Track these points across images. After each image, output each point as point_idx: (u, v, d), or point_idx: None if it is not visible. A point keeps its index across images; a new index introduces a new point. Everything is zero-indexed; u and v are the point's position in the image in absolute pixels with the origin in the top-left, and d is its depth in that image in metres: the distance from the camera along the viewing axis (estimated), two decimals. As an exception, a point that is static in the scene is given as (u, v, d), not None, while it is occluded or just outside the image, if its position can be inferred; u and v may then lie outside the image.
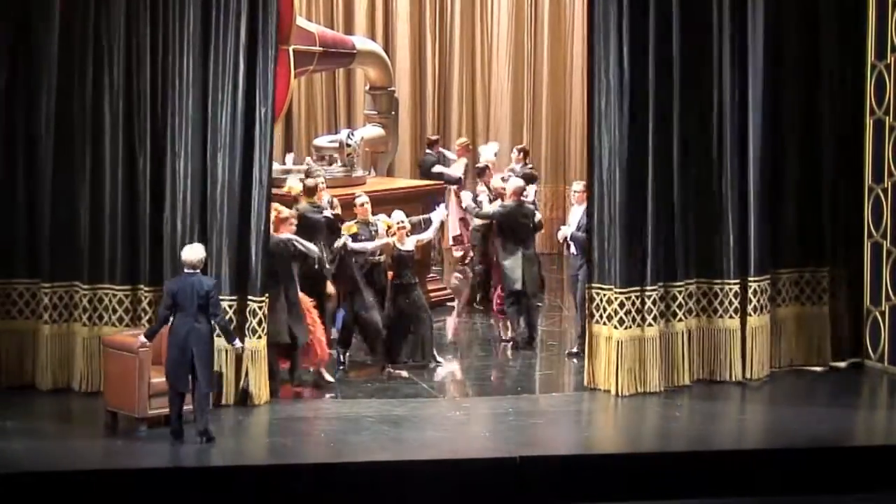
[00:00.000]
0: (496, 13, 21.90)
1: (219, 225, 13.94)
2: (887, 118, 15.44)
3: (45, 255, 14.31)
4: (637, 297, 14.33)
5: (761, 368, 14.90)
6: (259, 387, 13.94)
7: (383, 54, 19.39)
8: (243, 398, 13.90)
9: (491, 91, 21.99)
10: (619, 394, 14.27)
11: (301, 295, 14.44)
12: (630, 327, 14.32)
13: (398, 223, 15.15)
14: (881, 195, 15.53)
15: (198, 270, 12.93)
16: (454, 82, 21.95)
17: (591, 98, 14.55)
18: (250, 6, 13.93)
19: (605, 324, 14.45)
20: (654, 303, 14.40)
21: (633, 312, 14.32)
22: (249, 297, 13.92)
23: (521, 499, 11.92)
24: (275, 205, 14.51)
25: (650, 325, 14.39)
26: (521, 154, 19.11)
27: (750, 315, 14.82)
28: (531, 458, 12.46)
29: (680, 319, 14.60)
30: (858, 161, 15.71)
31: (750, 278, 14.82)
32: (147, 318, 14.10)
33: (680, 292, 14.59)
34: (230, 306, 13.85)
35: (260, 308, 13.92)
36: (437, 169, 19.49)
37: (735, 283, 14.78)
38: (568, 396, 14.67)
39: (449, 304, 18.06)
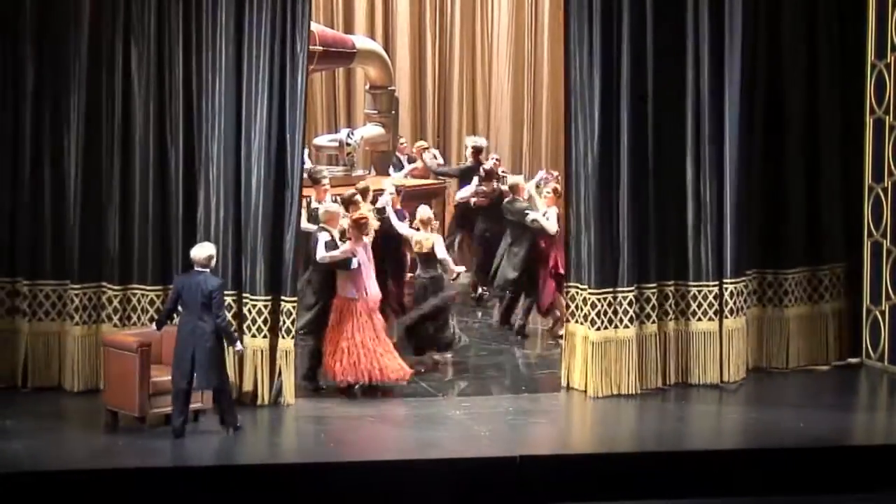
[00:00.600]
0: (496, 13, 21.89)
1: (253, 226, 13.93)
2: (887, 118, 15.44)
3: (73, 256, 14.27)
4: (613, 298, 14.29)
5: (737, 371, 14.76)
6: (289, 387, 13.98)
7: (383, 53, 19.40)
8: (276, 398, 13.93)
9: (491, 91, 21.98)
10: (594, 395, 14.23)
11: None
12: (600, 329, 14.26)
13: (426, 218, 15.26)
14: (881, 194, 15.53)
15: (206, 269, 12.96)
16: (454, 82, 21.94)
17: (567, 96, 14.53)
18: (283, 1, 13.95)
19: (580, 324, 14.41)
20: (629, 304, 14.35)
21: (611, 314, 14.27)
22: (283, 298, 13.93)
23: (521, 499, 11.91)
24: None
25: (626, 326, 14.33)
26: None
27: (727, 317, 14.69)
28: (531, 458, 12.45)
29: (653, 321, 14.53)
30: (858, 160, 15.73)
31: (726, 280, 14.68)
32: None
33: (654, 294, 14.52)
34: (265, 307, 13.88)
35: (294, 308, 13.94)
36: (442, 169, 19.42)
37: (714, 286, 14.65)
38: (567, 396, 14.67)
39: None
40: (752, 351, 15.27)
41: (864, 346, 15.72)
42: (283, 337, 13.92)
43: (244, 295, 13.96)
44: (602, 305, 14.28)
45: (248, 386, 13.91)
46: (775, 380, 15.22)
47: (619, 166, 14.35)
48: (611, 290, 14.32)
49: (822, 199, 15.59)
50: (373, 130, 18.92)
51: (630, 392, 14.32)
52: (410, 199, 16.72)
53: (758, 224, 15.19)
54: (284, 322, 13.93)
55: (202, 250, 13.04)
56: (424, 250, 15.07)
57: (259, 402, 13.89)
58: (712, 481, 12.17)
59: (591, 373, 14.28)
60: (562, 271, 15.63)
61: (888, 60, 15.43)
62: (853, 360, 15.68)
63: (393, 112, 19.14)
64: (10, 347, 14.37)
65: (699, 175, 14.62)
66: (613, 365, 14.31)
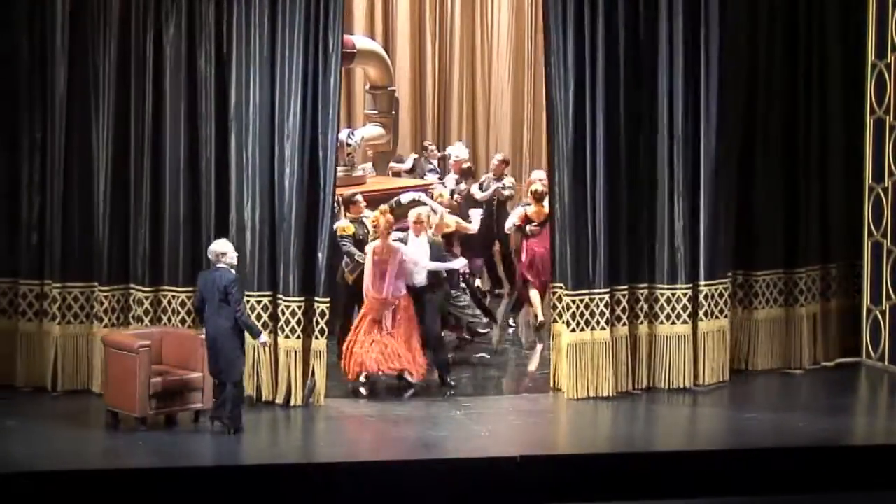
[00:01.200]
0: (496, 13, 21.90)
1: (286, 227, 13.94)
2: (887, 117, 15.44)
3: (102, 258, 14.23)
4: (589, 300, 14.26)
5: (712, 374, 14.67)
6: (321, 388, 13.99)
7: (383, 53, 19.40)
8: (308, 398, 13.95)
9: (491, 91, 21.99)
10: (570, 397, 14.18)
11: None
12: (576, 330, 14.22)
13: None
14: (881, 194, 15.52)
15: (221, 264, 13.01)
16: (454, 82, 21.95)
17: (548, 96, 14.47)
18: None
19: (561, 324, 14.39)
20: (606, 306, 14.31)
21: (588, 315, 14.24)
22: (316, 299, 13.93)
23: (521, 499, 11.91)
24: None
25: (602, 328, 14.28)
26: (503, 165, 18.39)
27: (702, 320, 14.62)
28: (531, 458, 12.45)
29: (624, 324, 14.45)
30: (858, 160, 15.73)
31: (701, 283, 14.61)
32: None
33: (625, 296, 14.47)
34: (299, 307, 13.89)
35: (328, 309, 13.95)
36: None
37: (687, 288, 14.57)
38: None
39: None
40: (750, 352, 15.30)
41: (864, 345, 15.72)
42: (317, 338, 13.93)
43: (278, 296, 13.96)
44: (579, 307, 14.23)
45: (281, 386, 13.91)
46: (774, 380, 15.21)
47: (595, 168, 14.29)
48: (586, 291, 14.28)
49: (810, 201, 15.53)
50: (373, 130, 18.92)
51: (606, 395, 14.25)
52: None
53: (742, 226, 15.11)
54: (318, 323, 13.93)
55: (215, 246, 13.11)
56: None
57: (292, 402, 13.90)
58: (711, 481, 12.17)
59: (568, 375, 14.23)
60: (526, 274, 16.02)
61: (888, 60, 15.43)
62: (851, 360, 15.68)
63: (393, 112, 19.14)
64: (39, 350, 14.36)
65: (673, 178, 14.50)
66: (589, 367, 14.26)
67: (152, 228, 14.18)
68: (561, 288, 14.34)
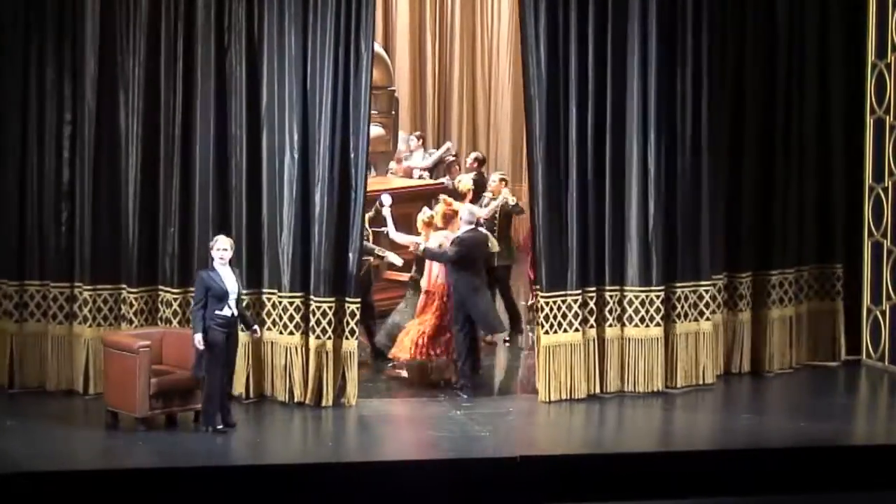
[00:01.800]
0: (496, 13, 21.91)
1: (317, 227, 13.94)
2: (887, 117, 15.44)
3: (131, 260, 14.22)
4: (563, 302, 14.23)
5: (685, 376, 14.60)
6: (352, 388, 14.00)
7: (383, 53, 19.38)
8: (339, 398, 13.98)
9: (491, 90, 22.00)
10: (544, 399, 14.13)
11: None
12: (549, 332, 14.16)
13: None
14: (881, 194, 15.53)
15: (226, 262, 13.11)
16: (454, 82, 21.96)
17: (526, 93, 14.41)
18: None
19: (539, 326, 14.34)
20: (581, 307, 14.29)
21: (560, 317, 14.20)
22: (347, 299, 13.94)
23: (521, 499, 11.91)
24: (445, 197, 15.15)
25: (577, 329, 14.24)
26: (476, 163, 18.43)
27: (675, 322, 14.59)
28: (532, 458, 12.45)
29: (595, 326, 14.40)
30: (857, 160, 15.74)
31: (676, 284, 14.57)
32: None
33: (604, 298, 14.42)
34: (330, 308, 13.90)
35: (358, 309, 13.97)
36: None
37: (660, 290, 14.49)
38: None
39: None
40: (750, 352, 15.29)
41: (864, 345, 15.72)
42: (347, 338, 13.94)
43: (310, 297, 13.97)
44: (553, 309, 14.19)
45: (312, 387, 13.93)
46: (773, 380, 15.21)
47: (569, 170, 14.27)
48: (561, 293, 14.24)
49: (805, 201, 15.54)
50: (373, 130, 18.88)
51: (579, 397, 14.22)
52: (411, 200, 16.72)
53: (730, 227, 15.07)
54: (349, 323, 13.95)
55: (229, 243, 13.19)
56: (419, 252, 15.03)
57: (323, 402, 13.91)
58: (711, 481, 12.18)
59: (542, 377, 14.21)
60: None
61: (888, 60, 15.43)
62: (849, 359, 15.68)
63: (393, 112, 19.13)
64: (70, 353, 14.35)
65: (647, 178, 14.42)
66: (563, 369, 14.22)
67: (182, 230, 14.14)
68: (539, 290, 14.29)
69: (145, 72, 14.12)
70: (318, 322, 13.90)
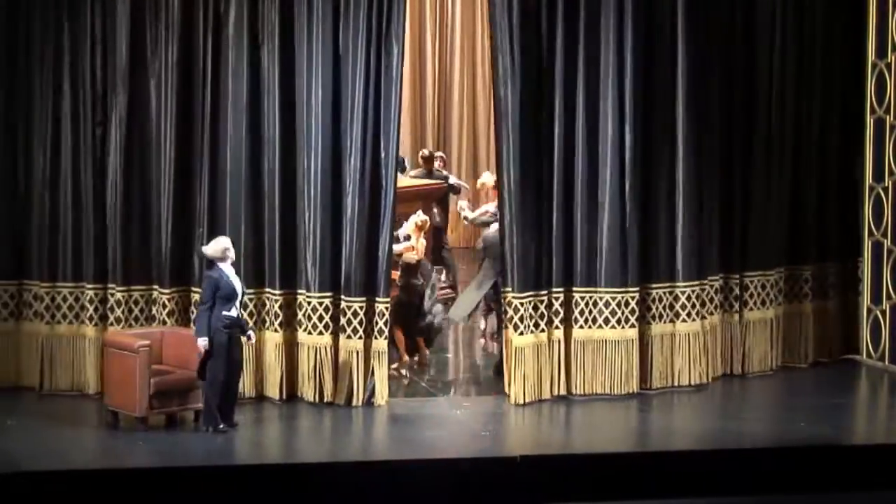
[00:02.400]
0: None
1: (349, 228, 13.97)
2: (888, 117, 15.44)
3: (164, 261, 14.21)
4: (539, 302, 14.23)
5: (660, 377, 14.59)
6: (381, 388, 14.04)
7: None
8: (369, 398, 14.00)
9: (491, 91, 21.95)
10: (517, 401, 14.07)
11: None
12: (524, 333, 14.13)
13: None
14: (882, 194, 15.53)
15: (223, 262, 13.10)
16: (454, 83, 21.94)
17: (495, 94, 14.42)
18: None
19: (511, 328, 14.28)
20: (557, 307, 14.30)
21: (537, 317, 14.21)
22: (377, 299, 13.98)
23: (521, 499, 11.91)
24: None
25: (543, 331, 14.22)
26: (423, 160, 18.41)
27: (650, 323, 14.55)
28: (532, 458, 12.45)
29: (557, 327, 14.39)
30: (856, 160, 15.75)
31: (651, 285, 14.56)
32: (279, 321, 14.16)
33: (577, 300, 14.41)
34: (360, 308, 13.93)
35: (387, 309, 13.99)
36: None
37: (635, 291, 14.46)
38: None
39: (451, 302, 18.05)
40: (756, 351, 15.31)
41: (864, 345, 15.73)
42: (377, 338, 13.97)
43: (340, 297, 14.00)
44: (527, 309, 14.18)
45: (342, 387, 13.97)
46: (774, 378, 15.22)
47: (541, 172, 14.27)
48: (532, 293, 14.23)
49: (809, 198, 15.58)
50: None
51: (547, 397, 14.24)
52: (410, 199, 16.72)
53: (720, 228, 15.03)
54: (377, 323, 13.98)
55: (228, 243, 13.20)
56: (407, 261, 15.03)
57: (354, 402, 13.95)
58: (711, 481, 12.17)
59: (517, 378, 14.15)
60: None
61: (888, 60, 15.43)
62: (847, 358, 15.69)
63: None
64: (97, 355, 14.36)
65: (624, 180, 14.40)
66: (540, 370, 14.22)
67: (213, 231, 14.08)
68: (510, 291, 14.19)
69: (177, 73, 14.11)
70: (348, 322, 13.94)
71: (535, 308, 14.17)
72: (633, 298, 14.40)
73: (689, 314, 14.60)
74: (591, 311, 14.37)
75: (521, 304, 14.09)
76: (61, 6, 14.26)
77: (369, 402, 13.93)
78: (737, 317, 15.12)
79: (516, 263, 14.10)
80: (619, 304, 14.36)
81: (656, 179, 14.53)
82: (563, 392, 14.32)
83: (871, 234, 15.65)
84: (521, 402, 14.04)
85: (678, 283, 14.59)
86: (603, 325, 14.36)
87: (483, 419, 13.87)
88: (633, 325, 14.41)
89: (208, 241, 13.40)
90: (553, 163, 14.29)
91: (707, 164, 14.76)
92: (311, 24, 13.99)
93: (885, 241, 15.48)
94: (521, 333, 14.09)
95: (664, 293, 14.57)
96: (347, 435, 13.63)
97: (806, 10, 15.50)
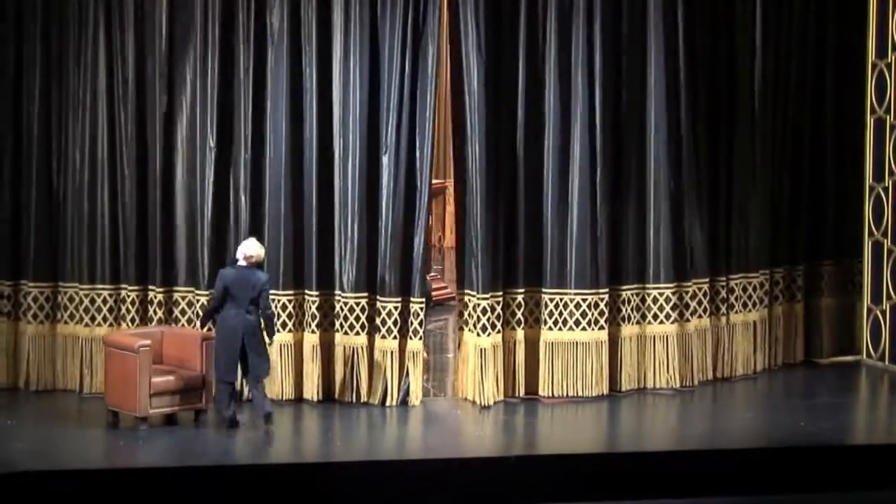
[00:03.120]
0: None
1: (384, 230, 14.01)
2: (888, 117, 15.44)
3: (204, 263, 14.17)
4: (499, 303, 14.22)
5: (629, 380, 14.55)
6: (416, 388, 14.09)
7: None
8: (404, 398, 14.05)
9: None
10: (483, 403, 14.06)
11: None
12: (491, 334, 14.11)
13: None
14: (882, 194, 15.53)
15: (248, 263, 13.10)
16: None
17: (455, 87, 14.39)
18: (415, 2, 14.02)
19: (470, 330, 14.27)
20: (520, 308, 14.30)
21: (506, 318, 14.21)
22: (411, 300, 14.04)
23: (520, 499, 11.92)
24: None
25: (499, 332, 14.19)
26: None
27: (620, 324, 14.53)
28: (528, 458, 12.46)
29: (513, 328, 14.35)
30: (855, 159, 15.75)
31: (623, 287, 14.52)
32: (316, 322, 14.15)
33: (543, 300, 14.37)
34: (395, 308, 14.00)
35: (421, 309, 14.05)
36: None
37: (604, 293, 14.41)
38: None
39: (450, 303, 18.05)
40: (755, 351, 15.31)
41: (864, 345, 15.73)
42: (411, 338, 14.02)
43: (377, 298, 14.06)
44: (489, 312, 14.15)
45: (377, 387, 14.03)
46: (773, 379, 15.22)
47: (511, 170, 14.26)
48: (501, 293, 14.26)
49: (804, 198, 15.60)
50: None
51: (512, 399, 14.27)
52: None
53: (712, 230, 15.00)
54: (412, 323, 14.02)
55: (254, 247, 13.18)
56: None
57: (388, 402, 14.00)
58: (710, 481, 12.19)
59: (484, 379, 14.12)
60: None
61: (888, 60, 15.43)
62: (846, 358, 15.70)
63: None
64: None
65: (594, 181, 14.35)
66: (502, 371, 14.24)
67: (254, 233, 14.06)
68: (474, 294, 14.14)
69: (219, 75, 14.12)
70: (383, 322, 14.00)
71: (496, 308, 14.16)
72: (601, 300, 14.37)
73: (667, 316, 14.57)
74: (560, 313, 14.34)
75: (486, 304, 14.06)
76: (100, 3, 14.24)
77: (403, 401, 13.99)
78: (724, 319, 15.06)
79: (483, 265, 14.08)
80: (589, 306, 14.31)
81: (627, 180, 14.51)
82: (526, 394, 14.34)
83: (871, 234, 15.65)
84: (486, 403, 14.05)
85: (648, 285, 14.59)
86: (574, 328, 14.31)
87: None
88: (602, 328, 14.36)
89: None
90: (512, 164, 14.29)
91: (688, 167, 14.71)
92: (348, 27, 14.01)
93: (885, 241, 15.48)
94: (479, 335, 14.06)
95: (632, 295, 14.57)
96: (349, 434, 13.66)
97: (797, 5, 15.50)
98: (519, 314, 14.33)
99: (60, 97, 14.35)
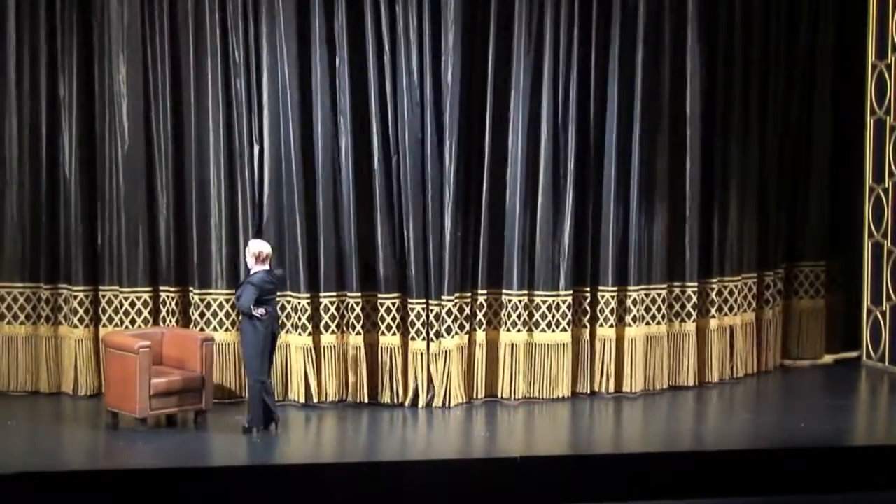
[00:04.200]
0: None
1: (409, 230, 14.08)
2: (888, 118, 15.45)
3: (238, 262, 14.19)
4: (466, 305, 14.28)
5: (590, 383, 14.56)
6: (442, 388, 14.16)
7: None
8: (432, 399, 14.11)
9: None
10: (444, 404, 14.12)
11: None
12: (444, 336, 14.13)
13: None
14: (882, 195, 15.53)
15: (266, 265, 13.16)
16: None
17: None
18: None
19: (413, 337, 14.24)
20: (483, 309, 14.36)
21: (463, 320, 14.23)
22: (442, 300, 14.10)
23: (521, 499, 11.92)
24: None
25: (458, 334, 14.21)
26: None
27: (586, 327, 14.54)
28: (532, 458, 12.46)
29: (469, 331, 14.39)
30: (854, 160, 15.77)
31: (593, 288, 14.53)
32: (361, 323, 14.17)
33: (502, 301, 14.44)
34: (423, 309, 14.07)
35: (454, 308, 14.10)
36: None
37: (567, 295, 14.44)
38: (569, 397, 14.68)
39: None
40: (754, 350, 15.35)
41: (864, 345, 15.74)
42: (443, 337, 14.11)
43: (408, 299, 14.15)
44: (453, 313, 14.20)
45: (410, 387, 14.14)
46: (773, 379, 15.23)
47: (480, 170, 14.29)
48: (469, 294, 14.33)
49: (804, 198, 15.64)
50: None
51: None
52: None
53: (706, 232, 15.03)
54: (444, 322, 14.10)
55: (264, 246, 13.20)
56: None
57: (420, 404, 14.09)
58: (711, 481, 12.19)
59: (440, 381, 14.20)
60: None
61: (888, 60, 15.44)
62: (845, 357, 15.70)
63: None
64: None
65: (566, 187, 14.43)
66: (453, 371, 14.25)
67: (308, 236, 14.16)
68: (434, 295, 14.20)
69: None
70: (411, 323, 14.07)
71: (461, 310, 14.21)
72: (563, 302, 14.40)
73: (635, 318, 14.62)
74: (521, 315, 14.36)
75: (449, 306, 14.10)
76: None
77: (431, 403, 14.07)
78: (713, 322, 15.07)
79: (453, 266, 14.14)
80: (549, 308, 14.37)
81: (606, 182, 14.55)
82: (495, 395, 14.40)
83: (871, 234, 15.66)
84: (447, 404, 14.09)
85: (606, 288, 14.58)
86: (533, 329, 14.37)
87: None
88: (564, 329, 14.39)
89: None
90: (484, 160, 14.33)
91: (671, 167, 14.73)
92: (406, 34, 14.07)
93: (885, 241, 15.48)
94: (443, 336, 14.08)
95: (601, 296, 14.61)
96: (348, 433, 13.67)
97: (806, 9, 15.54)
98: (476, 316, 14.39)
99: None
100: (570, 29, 14.38)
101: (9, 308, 14.44)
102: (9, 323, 14.46)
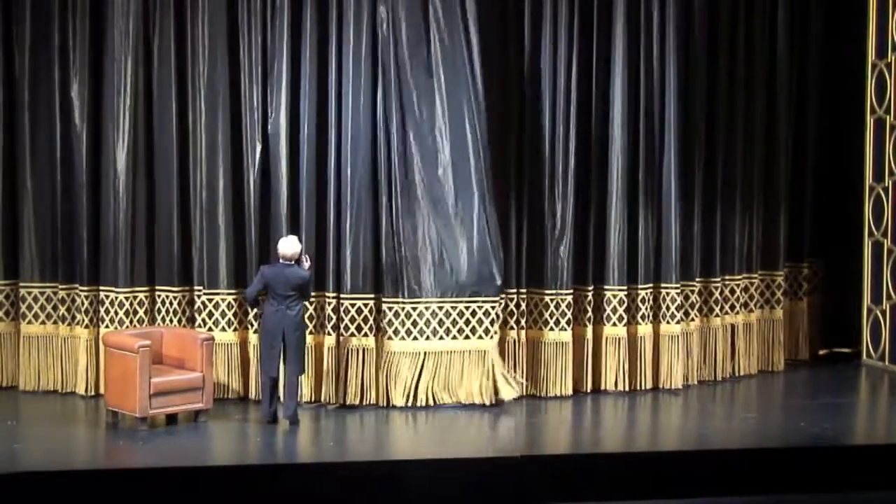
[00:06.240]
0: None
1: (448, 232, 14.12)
2: (888, 117, 15.45)
3: (252, 268, 14.18)
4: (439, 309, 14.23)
5: (564, 386, 14.59)
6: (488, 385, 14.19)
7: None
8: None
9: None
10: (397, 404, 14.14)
11: None
12: (417, 339, 14.15)
13: None
14: (882, 194, 15.54)
15: (293, 262, 13.23)
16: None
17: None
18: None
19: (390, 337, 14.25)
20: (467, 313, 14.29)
21: (447, 322, 14.20)
22: (488, 299, 14.13)
23: (522, 498, 11.91)
24: None
25: (441, 338, 14.22)
26: None
27: (564, 329, 14.54)
28: (533, 458, 12.46)
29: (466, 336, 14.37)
30: (853, 160, 15.77)
31: (565, 290, 14.55)
32: (387, 324, 14.16)
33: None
34: (466, 308, 14.10)
35: (493, 308, 14.12)
36: None
37: (568, 294, 14.51)
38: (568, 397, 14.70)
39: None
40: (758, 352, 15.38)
41: (864, 345, 15.75)
42: (491, 337, 14.15)
43: (455, 300, 14.17)
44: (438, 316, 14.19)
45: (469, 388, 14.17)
46: (773, 379, 15.23)
47: (454, 171, 14.24)
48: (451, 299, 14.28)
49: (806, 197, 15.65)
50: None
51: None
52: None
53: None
54: (494, 322, 14.13)
55: (292, 245, 13.29)
56: None
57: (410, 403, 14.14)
58: (712, 481, 12.19)
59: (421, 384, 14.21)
60: None
61: (888, 60, 15.44)
62: (840, 353, 15.74)
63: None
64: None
65: (555, 187, 14.50)
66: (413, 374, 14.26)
67: (337, 240, 14.18)
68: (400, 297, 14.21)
69: (287, 84, 14.17)
70: (454, 322, 14.07)
71: (451, 313, 14.19)
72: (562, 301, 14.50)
73: (619, 318, 14.68)
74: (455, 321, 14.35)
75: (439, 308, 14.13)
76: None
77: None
78: (717, 321, 15.10)
79: (435, 268, 14.15)
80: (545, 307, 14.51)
81: (593, 183, 14.63)
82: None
83: (871, 234, 15.66)
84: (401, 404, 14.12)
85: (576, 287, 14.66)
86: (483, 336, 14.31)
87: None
88: (563, 329, 14.51)
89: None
90: (454, 162, 14.23)
91: (660, 168, 14.73)
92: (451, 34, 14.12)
93: (885, 241, 15.49)
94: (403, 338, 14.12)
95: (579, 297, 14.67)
96: (348, 433, 13.67)
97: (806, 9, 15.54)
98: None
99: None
100: (571, 29, 14.44)
101: (29, 308, 14.48)
102: (29, 322, 14.51)
